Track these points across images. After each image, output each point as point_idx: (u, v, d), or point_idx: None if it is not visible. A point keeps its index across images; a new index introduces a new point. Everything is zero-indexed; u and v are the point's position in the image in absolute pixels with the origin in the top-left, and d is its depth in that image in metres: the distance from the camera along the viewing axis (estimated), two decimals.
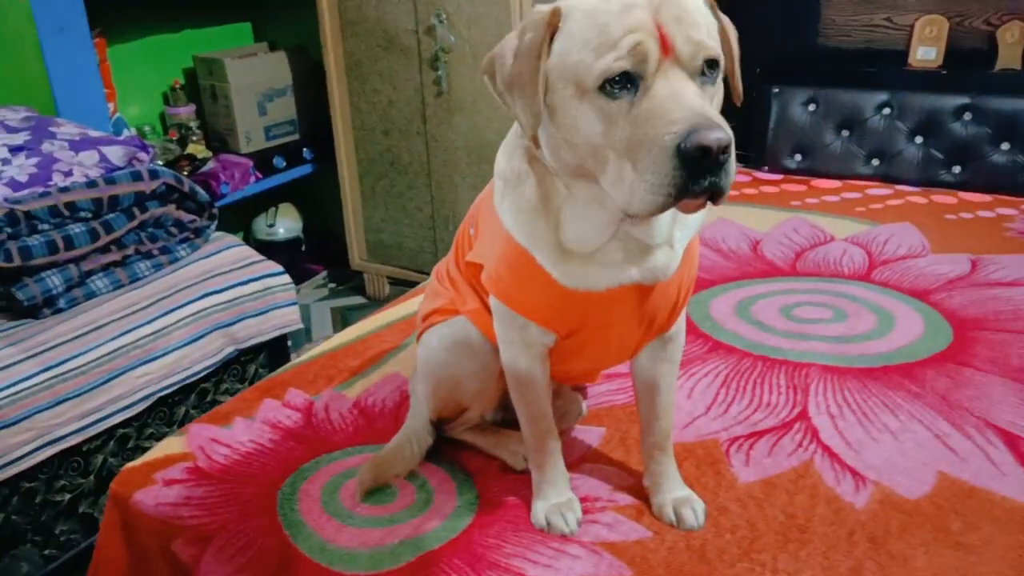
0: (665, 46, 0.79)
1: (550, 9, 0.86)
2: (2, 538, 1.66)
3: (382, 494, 1.17)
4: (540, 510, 1.10)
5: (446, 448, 1.26)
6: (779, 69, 2.61)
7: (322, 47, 2.87)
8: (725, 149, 0.75)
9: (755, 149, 2.62)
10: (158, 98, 3.11)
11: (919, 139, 2.43)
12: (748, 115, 2.62)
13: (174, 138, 3.00)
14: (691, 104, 0.77)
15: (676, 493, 1.11)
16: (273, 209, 3.43)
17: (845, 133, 2.54)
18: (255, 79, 3.04)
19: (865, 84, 2.47)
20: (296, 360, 1.59)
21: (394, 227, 3.02)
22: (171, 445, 1.31)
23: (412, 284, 3.07)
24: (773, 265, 1.91)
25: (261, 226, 3.41)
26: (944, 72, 2.42)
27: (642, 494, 1.14)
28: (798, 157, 2.61)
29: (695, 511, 1.08)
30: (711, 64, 0.82)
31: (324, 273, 3.45)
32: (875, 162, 2.50)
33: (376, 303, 3.15)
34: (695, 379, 1.43)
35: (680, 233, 0.99)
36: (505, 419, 1.26)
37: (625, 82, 0.80)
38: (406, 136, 2.84)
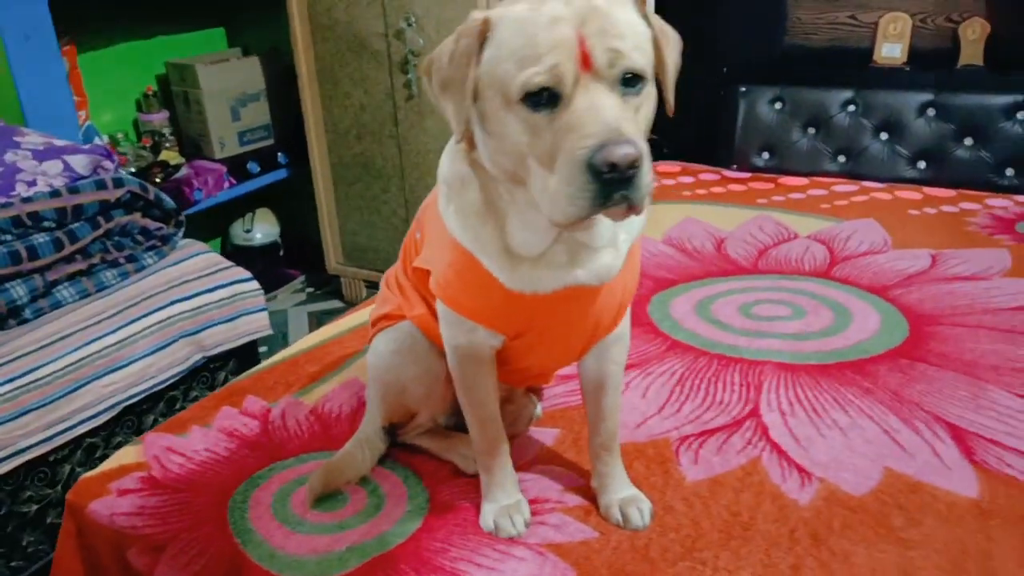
0: (586, 60, 0.80)
1: (481, 19, 0.87)
2: None
3: (334, 500, 1.18)
4: (488, 512, 1.11)
5: (400, 453, 1.27)
6: (746, 69, 2.63)
7: (293, 51, 2.87)
8: (634, 163, 0.76)
9: (724, 148, 2.64)
10: (131, 105, 3.10)
11: (884, 136, 2.45)
12: (716, 114, 2.64)
13: (147, 145, 3.00)
14: (605, 118, 0.78)
15: (622, 493, 1.12)
16: (250, 214, 3.43)
17: (812, 131, 2.55)
18: (228, 84, 3.04)
19: (831, 82, 2.49)
20: (257, 367, 1.59)
21: (369, 230, 3.03)
22: (127, 455, 1.31)
23: None
24: (736, 264, 1.92)
25: (238, 231, 3.41)
26: (908, 69, 2.44)
27: (591, 495, 1.15)
28: (766, 155, 2.63)
29: (641, 511, 1.09)
30: (636, 75, 0.83)
31: (302, 278, 3.45)
32: (841, 159, 2.52)
33: (352, 306, 3.14)
34: (651, 378, 1.44)
35: (624, 235, 1.00)
36: (458, 423, 1.27)
37: (546, 96, 0.81)
38: (378, 140, 2.85)
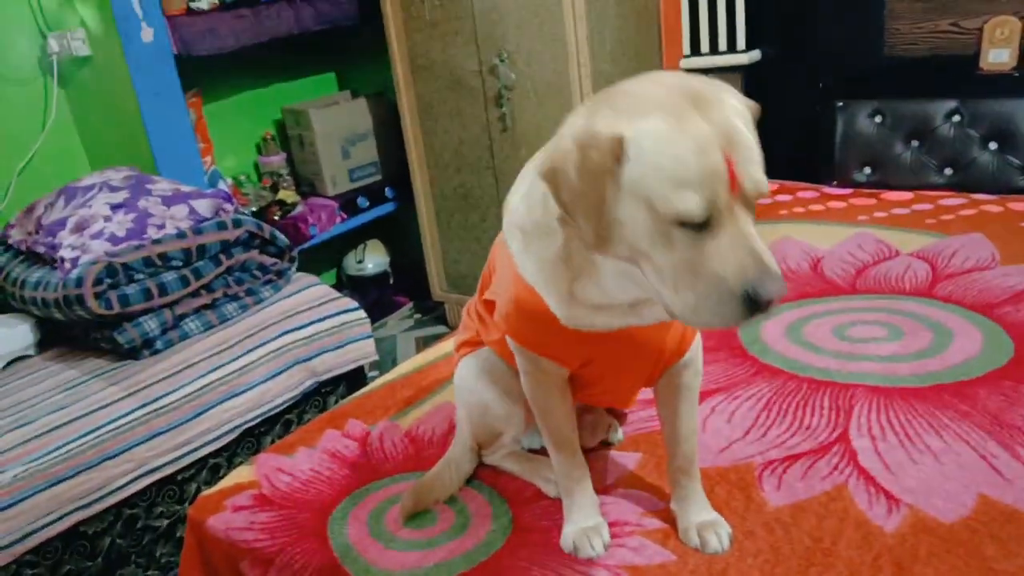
0: (734, 187, 0.81)
1: (612, 137, 0.82)
2: (109, 560, 1.84)
3: (424, 519, 1.25)
4: (568, 534, 1.14)
5: (486, 474, 1.33)
6: (844, 83, 2.56)
7: (396, 92, 3.03)
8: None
9: (823, 164, 2.57)
10: (252, 149, 3.35)
11: (993, 145, 2.33)
12: (814, 130, 2.58)
13: (267, 185, 3.23)
14: (757, 252, 0.80)
15: (701, 517, 1.13)
16: (362, 246, 3.61)
17: (915, 144, 2.45)
18: (338, 125, 3.23)
19: (933, 93, 2.39)
20: (358, 392, 1.70)
21: (469, 258, 3.13)
22: (241, 474, 1.43)
23: None
24: (832, 284, 1.88)
25: (351, 262, 3.60)
26: (1018, 74, 2.31)
27: (670, 518, 1.16)
28: (867, 170, 2.54)
29: (719, 535, 1.10)
30: None
31: (410, 305, 3.60)
32: (948, 172, 2.41)
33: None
34: (737, 402, 1.43)
35: None
36: (543, 446, 1.31)
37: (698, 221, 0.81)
38: (476, 171, 2.95)
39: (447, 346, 1.84)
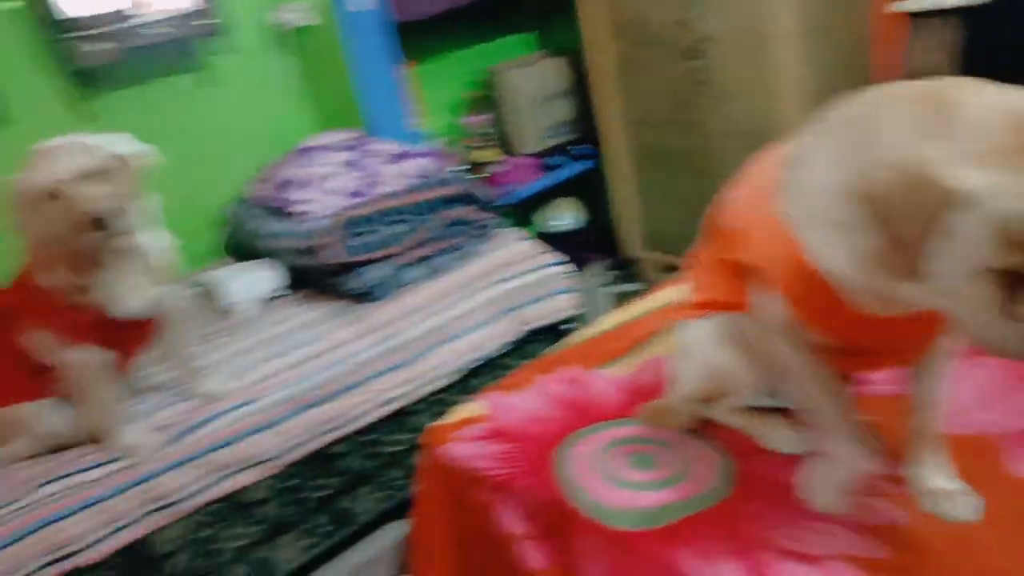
0: None
1: (954, 189, 0.77)
2: (351, 481, 2.08)
3: (645, 463, 1.32)
4: (814, 479, 1.15)
5: (705, 427, 1.37)
6: None
7: (591, 49, 3.05)
8: None
9: None
10: (457, 109, 3.52)
11: None
12: None
13: (470, 144, 3.39)
14: None
15: (942, 483, 1.11)
16: (556, 203, 3.70)
17: None
18: (535, 85, 3.31)
19: None
20: (570, 341, 1.79)
21: (665, 216, 3.13)
22: (467, 409, 1.58)
23: None
24: None
25: (546, 219, 3.71)
26: None
27: (906, 482, 1.15)
28: None
29: (959, 501, 1.08)
30: None
31: (604, 262, 3.66)
32: None
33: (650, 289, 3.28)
34: (986, 369, 1.36)
35: None
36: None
37: None
38: (672, 127, 2.93)
39: (650, 302, 1.88)
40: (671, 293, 1.88)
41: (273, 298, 2.44)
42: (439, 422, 1.57)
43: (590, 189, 3.70)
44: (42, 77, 2.52)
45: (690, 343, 1.31)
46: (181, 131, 2.71)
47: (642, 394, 1.50)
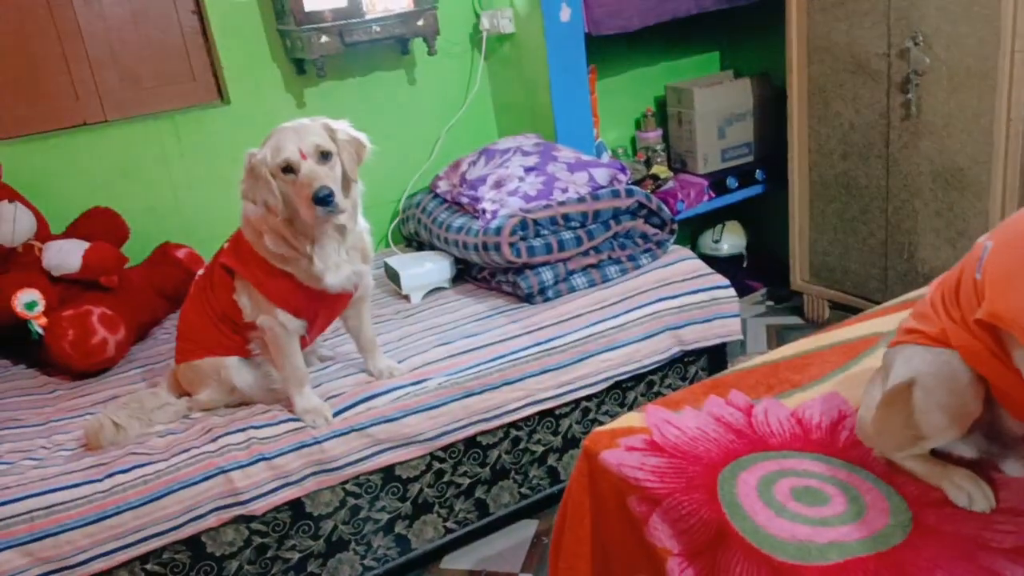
0: None
1: None
2: (495, 471, 2.13)
3: (815, 498, 1.27)
4: None
5: (881, 469, 1.30)
6: None
7: (786, 72, 2.97)
8: None
9: None
10: (631, 124, 3.53)
11: None
12: None
13: (641, 159, 3.39)
14: None
15: None
16: (720, 226, 3.63)
17: None
18: (718, 105, 3.27)
19: None
20: (739, 366, 1.75)
21: (841, 251, 2.99)
22: (632, 419, 1.57)
23: (854, 310, 3.00)
24: None
25: (707, 241, 3.65)
26: None
27: None
28: None
29: None
30: None
31: (763, 290, 3.55)
32: None
33: (813, 325, 3.15)
34: None
35: None
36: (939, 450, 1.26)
37: None
38: (865, 160, 2.80)
39: (831, 337, 1.81)
40: (851, 331, 1.81)
41: (440, 288, 2.55)
42: (602, 428, 1.58)
43: (756, 214, 3.60)
44: (265, 64, 2.76)
45: (895, 365, 1.24)
46: (381, 122, 2.89)
47: (818, 428, 1.45)
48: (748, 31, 3.49)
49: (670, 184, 3.25)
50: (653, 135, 3.42)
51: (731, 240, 3.62)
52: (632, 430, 1.54)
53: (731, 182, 3.29)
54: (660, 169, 3.30)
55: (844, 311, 3.06)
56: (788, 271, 3.24)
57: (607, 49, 3.22)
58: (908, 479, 1.28)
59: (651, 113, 3.44)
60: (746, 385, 1.64)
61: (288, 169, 1.71)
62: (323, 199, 1.67)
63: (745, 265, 3.65)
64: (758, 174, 3.34)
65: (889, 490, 1.26)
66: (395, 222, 3.04)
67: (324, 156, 1.73)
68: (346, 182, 1.79)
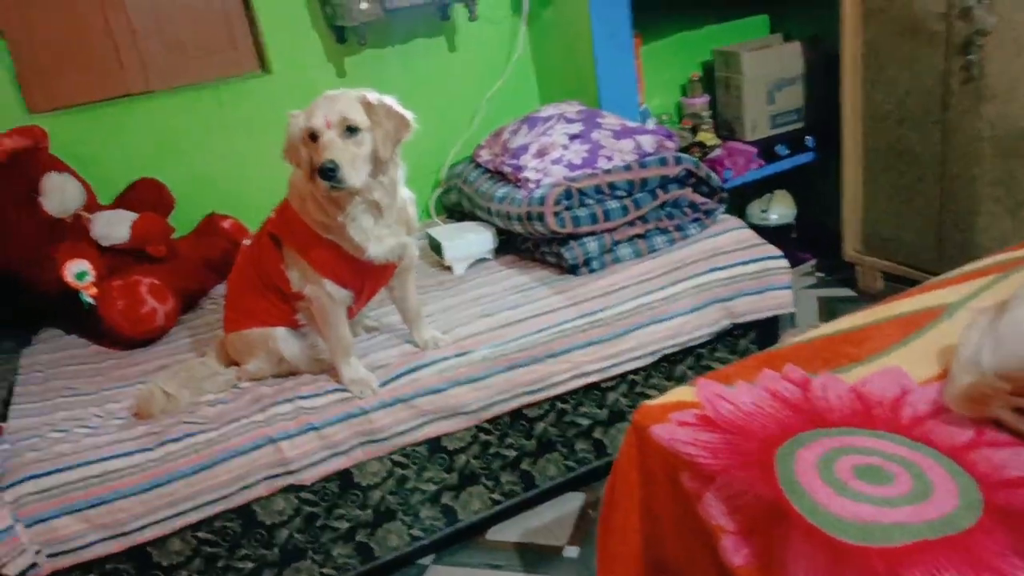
0: None
1: None
2: (541, 443, 2.12)
3: (881, 477, 1.23)
4: None
5: (948, 446, 1.25)
6: None
7: (839, 36, 2.86)
8: None
9: None
10: (676, 90, 3.44)
11: None
12: None
13: (687, 126, 3.30)
14: None
15: None
16: (768, 195, 3.54)
17: None
18: (767, 70, 3.17)
19: None
20: (793, 339, 1.70)
21: (895, 221, 2.90)
22: (683, 393, 1.54)
23: (908, 281, 2.90)
24: None
25: (755, 211, 3.56)
26: None
27: None
28: None
29: None
30: None
31: (813, 262, 3.46)
32: None
33: (866, 297, 3.07)
34: None
35: None
36: None
37: None
38: (921, 126, 2.69)
39: (891, 308, 1.74)
40: (911, 303, 1.74)
41: (483, 259, 2.52)
42: (652, 402, 1.55)
43: (805, 183, 3.50)
44: (306, 33, 2.74)
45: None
46: (421, 91, 2.85)
47: (880, 404, 1.40)
48: None
49: (717, 152, 3.16)
50: (699, 101, 3.33)
51: (780, 210, 3.53)
52: (683, 404, 1.50)
53: (781, 149, 3.20)
54: (707, 136, 3.21)
55: (898, 283, 2.96)
56: (839, 241, 3.15)
57: (651, 13, 3.13)
58: (978, 458, 1.23)
59: (697, 78, 3.34)
60: (802, 358, 1.59)
61: (313, 136, 1.69)
62: (324, 171, 1.63)
63: (794, 235, 3.56)
64: (808, 141, 3.25)
65: (957, 469, 1.22)
66: (437, 192, 3.02)
67: (350, 130, 1.69)
68: (377, 160, 1.75)
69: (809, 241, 3.54)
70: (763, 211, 3.54)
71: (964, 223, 2.64)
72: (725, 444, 1.38)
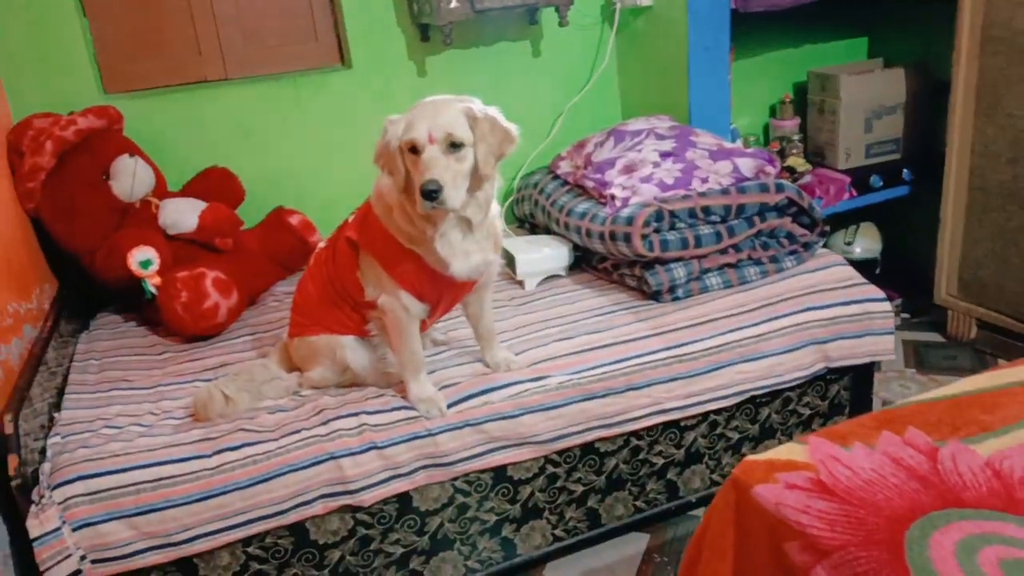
0: None
1: None
2: (611, 480, 1.98)
3: None
4: None
5: None
6: None
7: (952, 64, 2.67)
8: None
9: None
10: (765, 110, 3.28)
11: None
12: None
13: (775, 149, 3.13)
14: None
15: None
16: (854, 227, 3.34)
17: None
18: (867, 95, 2.99)
19: None
20: (914, 398, 1.53)
21: (998, 266, 2.69)
22: (793, 451, 1.39)
23: (1006, 332, 2.70)
24: None
25: (838, 242, 3.36)
26: None
27: None
28: None
29: None
30: None
31: (898, 301, 3.26)
32: None
33: (957, 344, 2.87)
34: None
35: None
36: None
37: None
38: None
39: (1019, 373, 1.57)
40: None
41: (555, 276, 2.39)
42: (756, 457, 1.40)
43: (894, 217, 3.30)
44: (389, 29, 2.64)
45: None
46: (503, 95, 2.71)
47: (1022, 485, 1.24)
48: (902, 15, 3.17)
49: (807, 178, 2.99)
50: (790, 124, 3.16)
51: (865, 243, 3.33)
52: (794, 464, 1.35)
53: (875, 181, 3.01)
54: (796, 161, 3.04)
55: (994, 332, 2.76)
56: (928, 282, 2.96)
57: (745, 28, 2.97)
58: None
59: (789, 100, 3.17)
60: (925, 422, 1.43)
61: (414, 149, 1.58)
62: (427, 192, 1.52)
63: (878, 271, 3.36)
64: (905, 174, 3.05)
65: None
66: (509, 201, 2.90)
67: (454, 146, 1.57)
68: (477, 176, 1.63)
69: (894, 278, 3.34)
70: (847, 243, 3.35)
71: None
72: (844, 516, 1.23)
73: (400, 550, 1.83)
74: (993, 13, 2.52)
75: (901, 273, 3.31)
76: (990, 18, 2.54)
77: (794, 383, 2.04)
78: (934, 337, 2.97)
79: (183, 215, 2.30)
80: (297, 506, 1.68)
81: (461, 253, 1.68)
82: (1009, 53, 2.50)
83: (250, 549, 1.71)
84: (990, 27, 2.54)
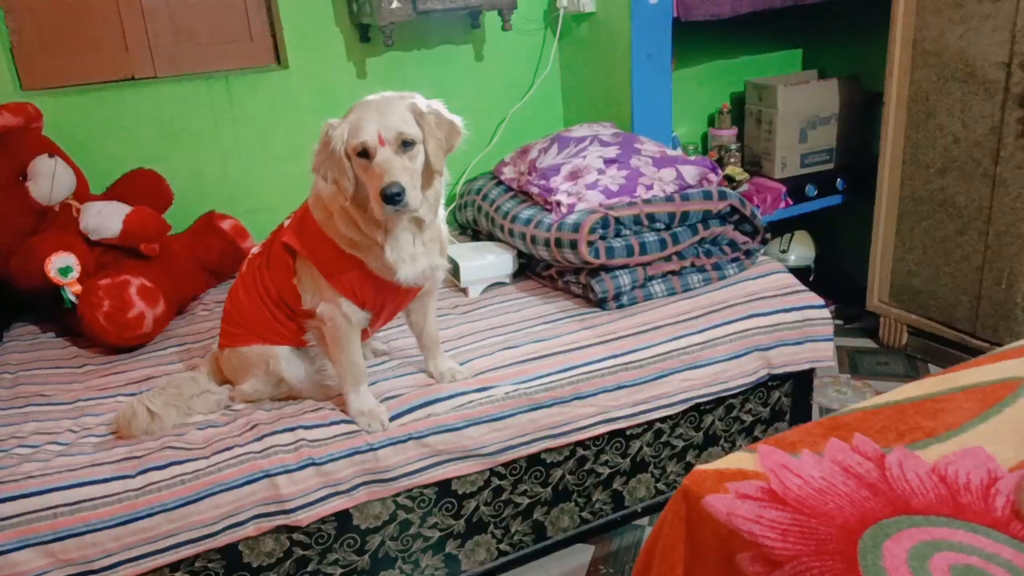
0: None
1: None
2: (557, 491, 1.94)
3: None
4: None
5: None
6: None
7: (885, 76, 2.74)
8: None
9: None
10: (704, 119, 3.31)
11: None
12: None
13: (714, 158, 3.16)
14: None
15: None
16: (788, 235, 3.41)
17: None
18: (802, 106, 3.04)
19: None
20: (858, 405, 1.54)
21: (929, 273, 2.77)
22: (742, 460, 1.37)
23: (936, 338, 2.78)
24: None
25: (774, 250, 3.42)
26: None
27: None
28: None
29: None
30: None
31: (831, 307, 3.32)
32: None
33: (889, 350, 2.94)
34: None
35: None
36: None
37: None
38: (967, 177, 2.57)
39: (961, 377, 1.60)
40: (982, 374, 1.60)
41: (499, 283, 2.35)
42: (706, 466, 1.38)
43: (827, 225, 3.37)
44: (327, 28, 2.57)
45: None
46: (444, 99, 2.67)
47: (967, 490, 1.25)
48: (837, 29, 3.25)
49: (744, 187, 3.03)
50: (727, 133, 3.20)
51: (800, 251, 3.39)
52: (744, 474, 1.34)
53: (810, 190, 3.07)
54: (735, 170, 3.07)
55: (924, 338, 2.84)
56: (860, 289, 3.03)
57: (685, 37, 3.00)
58: None
59: (727, 109, 3.21)
60: (871, 429, 1.43)
61: (364, 153, 1.51)
62: (391, 196, 1.46)
63: (812, 279, 3.43)
64: (839, 183, 3.12)
65: None
66: (451, 207, 2.85)
67: (406, 145, 1.52)
68: (428, 173, 1.58)
69: (827, 286, 3.40)
70: (783, 251, 3.41)
71: (1006, 281, 2.51)
72: (796, 525, 1.21)
73: (339, 571, 1.75)
74: (925, 28, 2.60)
75: (834, 281, 3.39)
76: (922, 33, 2.61)
77: (738, 390, 2.04)
78: (867, 343, 3.04)
79: (106, 219, 2.17)
80: (229, 527, 1.59)
81: (408, 258, 1.62)
82: (940, 67, 2.58)
83: (178, 575, 1.61)
84: (922, 41, 2.62)
